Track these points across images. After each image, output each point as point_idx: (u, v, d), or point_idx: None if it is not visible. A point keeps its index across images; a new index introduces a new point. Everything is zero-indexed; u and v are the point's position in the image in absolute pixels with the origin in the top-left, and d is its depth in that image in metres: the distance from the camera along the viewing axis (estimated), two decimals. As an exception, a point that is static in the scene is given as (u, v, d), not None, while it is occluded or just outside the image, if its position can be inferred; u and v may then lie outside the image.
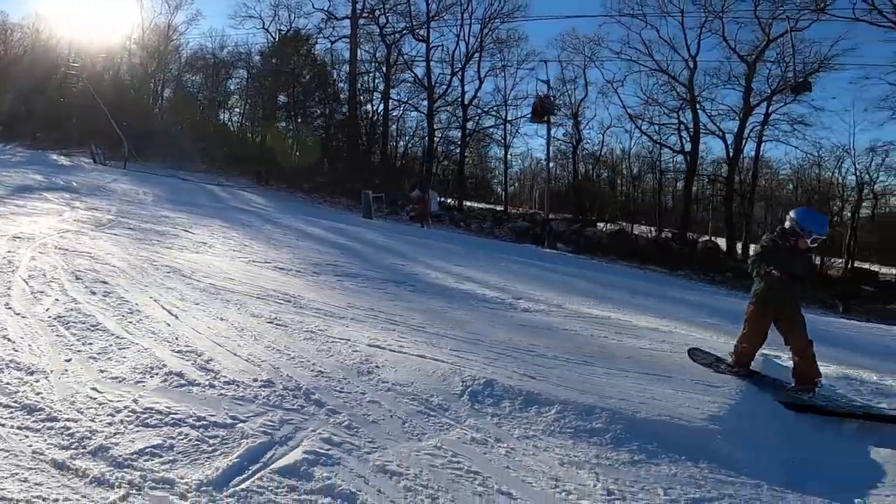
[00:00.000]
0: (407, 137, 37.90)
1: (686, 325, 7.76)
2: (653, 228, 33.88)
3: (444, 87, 34.74)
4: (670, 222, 34.04)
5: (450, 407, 3.96)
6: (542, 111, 29.96)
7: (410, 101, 35.90)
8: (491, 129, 36.74)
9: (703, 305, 10.44)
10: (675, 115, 32.56)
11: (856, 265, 28.73)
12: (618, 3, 31.51)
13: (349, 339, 5.05)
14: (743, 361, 5.02)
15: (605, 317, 7.51)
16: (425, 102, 34.95)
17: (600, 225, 34.27)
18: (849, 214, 33.07)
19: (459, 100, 34.70)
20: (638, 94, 33.36)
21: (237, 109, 39.57)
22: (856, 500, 3.34)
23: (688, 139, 32.58)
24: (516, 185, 42.91)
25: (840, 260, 28.93)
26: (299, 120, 37.20)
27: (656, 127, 33.80)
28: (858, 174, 30.64)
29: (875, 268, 28.89)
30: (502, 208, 36.80)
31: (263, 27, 35.83)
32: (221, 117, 40.15)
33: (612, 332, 6.32)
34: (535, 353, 5.25)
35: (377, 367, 4.49)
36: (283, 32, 36.32)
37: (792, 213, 4.74)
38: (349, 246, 11.89)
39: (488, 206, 38.08)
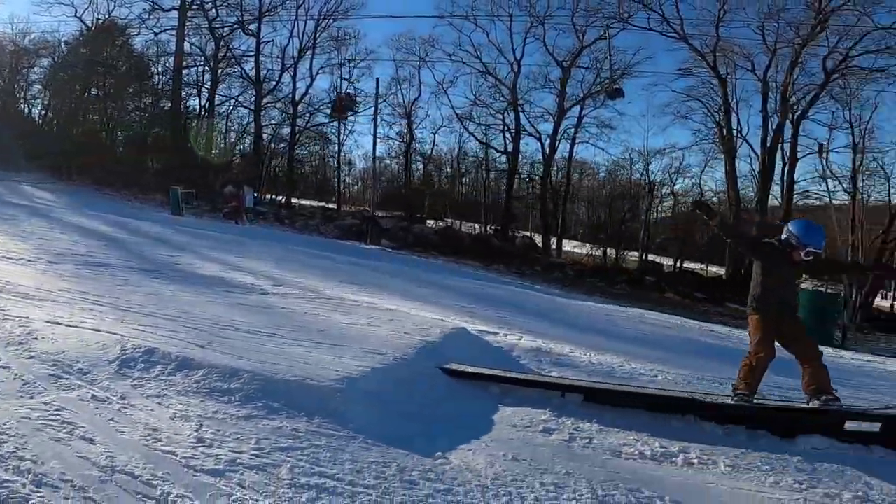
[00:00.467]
0: (234, 134, 36.97)
1: (427, 307, 8.44)
2: (477, 225, 35.74)
3: (274, 83, 34.22)
4: (496, 219, 36.12)
5: (91, 371, 4.04)
6: (342, 108, 30.40)
7: (238, 98, 34.97)
8: (324, 128, 36.64)
9: (470, 293, 11.19)
10: (500, 116, 34.76)
11: (648, 257, 32.29)
12: (451, 5, 32.93)
13: (27, 317, 4.98)
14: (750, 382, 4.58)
15: (348, 299, 7.95)
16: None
17: (430, 223, 35.57)
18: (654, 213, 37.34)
19: (290, 97, 34.26)
20: (468, 96, 35.23)
21: (39, 101, 36.16)
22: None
23: (510, 140, 34.94)
24: (360, 184, 43.53)
25: (635, 253, 32.45)
26: (114, 113, 34.79)
27: (483, 127, 35.78)
28: (650, 175, 34.38)
29: (666, 261, 32.71)
30: (335, 206, 36.99)
31: (76, 15, 33.04)
32: (23, 109, 36.45)
33: (330, 310, 6.75)
34: (231, 327, 5.48)
35: (36, 339, 4.48)
36: (100, 21, 33.75)
37: (790, 226, 4.63)
38: (121, 239, 11.46)
39: (323, 204, 38.12)
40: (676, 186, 34.79)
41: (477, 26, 32.70)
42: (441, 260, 24.70)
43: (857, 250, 27.63)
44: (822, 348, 4.69)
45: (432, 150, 37.93)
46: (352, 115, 33.42)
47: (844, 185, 29.40)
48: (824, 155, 24.74)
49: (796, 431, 4.30)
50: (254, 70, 33.59)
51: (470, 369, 5.11)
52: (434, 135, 37.06)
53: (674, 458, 3.98)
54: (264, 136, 35.45)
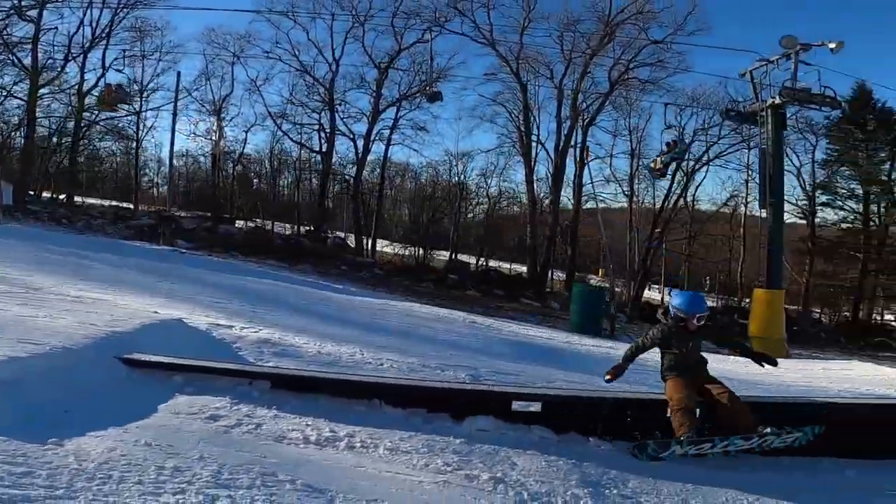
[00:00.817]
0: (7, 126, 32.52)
1: (171, 303, 7.79)
2: (289, 226, 34.85)
3: (56, 72, 30.56)
4: (311, 220, 35.39)
5: None
6: (111, 100, 28.14)
7: (10, 88, 30.71)
8: (117, 122, 33.50)
9: (237, 290, 10.55)
10: (316, 115, 34.05)
11: (458, 257, 33.55)
12: (269, 1, 31.77)
13: None
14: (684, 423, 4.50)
15: (62, 295, 7.07)
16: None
17: (240, 223, 33.99)
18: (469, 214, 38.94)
19: (77, 88, 30.82)
20: (283, 94, 34.31)
21: None
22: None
23: (325, 140, 34.34)
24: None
25: (445, 252, 33.59)
26: None
27: (299, 127, 34.82)
28: (460, 177, 35.76)
29: (472, 259, 34.19)
30: (132, 205, 34.02)
31: None
32: None
33: (19, 303, 5.93)
34: None
35: None
36: None
37: (673, 302, 4.86)
38: None
39: (119, 204, 34.96)
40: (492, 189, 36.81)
41: (296, 23, 31.92)
42: (241, 261, 23.49)
43: (633, 250, 30.97)
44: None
45: (243, 148, 36.28)
46: (127, 108, 30.88)
47: (624, 189, 32.90)
48: (587, 159, 26.95)
49: (467, 413, 4.40)
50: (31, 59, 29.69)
51: (149, 358, 4.66)
52: (246, 133, 35.50)
53: (337, 443, 3.85)
54: (45, 129, 31.68)
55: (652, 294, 35.07)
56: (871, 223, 30.42)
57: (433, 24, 30.68)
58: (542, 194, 31.98)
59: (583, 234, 32.26)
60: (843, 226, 31.16)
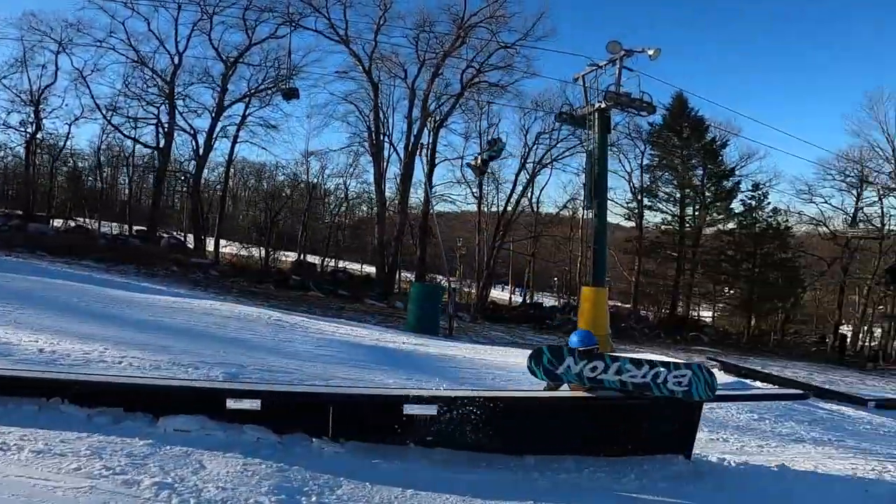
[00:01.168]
0: None
1: None
2: (116, 225, 31.92)
3: None
4: (146, 219, 32.60)
5: None
6: None
7: None
8: None
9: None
10: (154, 109, 31.20)
11: (308, 258, 32.49)
12: None
13: None
14: None
15: None
16: None
17: (58, 222, 30.56)
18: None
19: None
20: (117, 86, 30.74)
21: None
22: None
23: (163, 135, 31.69)
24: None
25: (292, 254, 32.36)
26: None
27: (133, 121, 31.83)
28: (313, 177, 34.63)
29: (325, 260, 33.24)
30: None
31: None
32: None
33: None
34: None
35: None
36: None
37: (572, 340, 5.12)
38: None
39: None
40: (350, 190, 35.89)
41: (135, 12, 28.85)
42: (49, 261, 20.93)
43: (482, 251, 31.44)
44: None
45: (65, 143, 32.51)
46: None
47: (473, 191, 33.33)
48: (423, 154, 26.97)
49: (169, 412, 3.75)
50: None
51: None
52: (70, 126, 31.56)
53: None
54: None
55: (498, 293, 35.92)
56: (687, 225, 33.00)
57: (287, 19, 29.49)
58: (395, 195, 31.53)
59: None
60: (663, 227, 33.48)
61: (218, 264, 26.54)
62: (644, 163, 32.85)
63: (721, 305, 35.18)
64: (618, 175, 32.31)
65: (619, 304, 33.62)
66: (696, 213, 32.72)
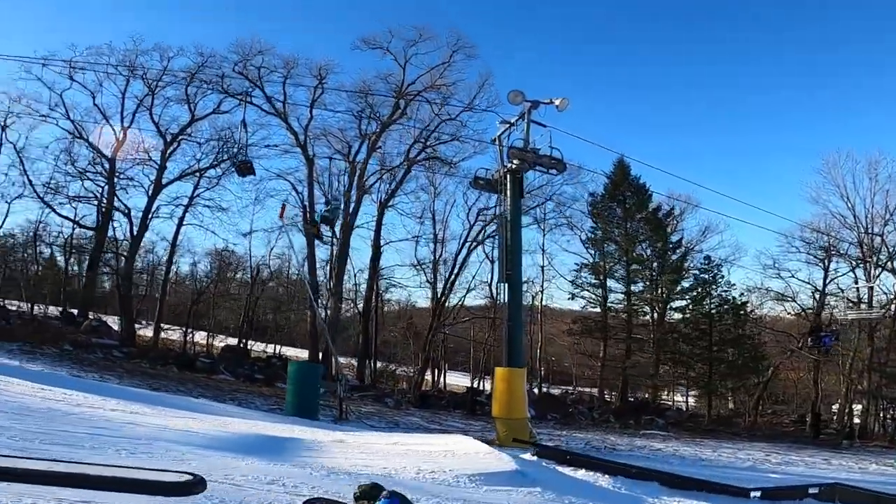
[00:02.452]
0: None
1: None
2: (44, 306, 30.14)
3: None
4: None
5: None
6: None
7: None
8: None
9: None
10: (96, 187, 30.30)
11: (246, 343, 30.40)
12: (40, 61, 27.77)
13: None
14: None
15: None
16: None
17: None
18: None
19: None
20: (49, 161, 29.66)
21: None
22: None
23: (101, 215, 30.52)
24: None
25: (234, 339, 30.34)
26: None
27: (70, 200, 30.57)
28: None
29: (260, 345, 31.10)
30: None
31: None
32: None
33: None
34: None
35: None
36: None
37: None
38: None
39: None
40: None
41: (74, 81, 28.71)
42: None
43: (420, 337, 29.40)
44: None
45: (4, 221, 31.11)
46: None
47: (428, 276, 31.40)
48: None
49: None
50: None
51: None
52: (9, 205, 29.97)
53: None
54: None
55: (457, 378, 33.79)
56: (634, 302, 31.02)
57: (240, 97, 28.52)
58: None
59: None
60: (611, 307, 31.30)
61: (125, 346, 24.41)
62: (587, 237, 31.40)
63: (684, 387, 32.60)
64: (565, 250, 30.89)
65: (587, 388, 31.54)
66: (643, 289, 30.82)
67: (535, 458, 9.42)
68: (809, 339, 24.15)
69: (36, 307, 30.02)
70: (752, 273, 32.61)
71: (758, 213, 66.82)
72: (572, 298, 30.97)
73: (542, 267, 31.47)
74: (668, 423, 26.21)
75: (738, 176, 58.05)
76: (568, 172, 24.96)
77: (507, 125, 17.68)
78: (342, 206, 24.16)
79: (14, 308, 28.96)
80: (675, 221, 31.26)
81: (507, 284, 17.06)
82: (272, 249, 34.55)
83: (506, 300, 17.10)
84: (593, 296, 31.18)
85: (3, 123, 28.74)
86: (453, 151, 29.48)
